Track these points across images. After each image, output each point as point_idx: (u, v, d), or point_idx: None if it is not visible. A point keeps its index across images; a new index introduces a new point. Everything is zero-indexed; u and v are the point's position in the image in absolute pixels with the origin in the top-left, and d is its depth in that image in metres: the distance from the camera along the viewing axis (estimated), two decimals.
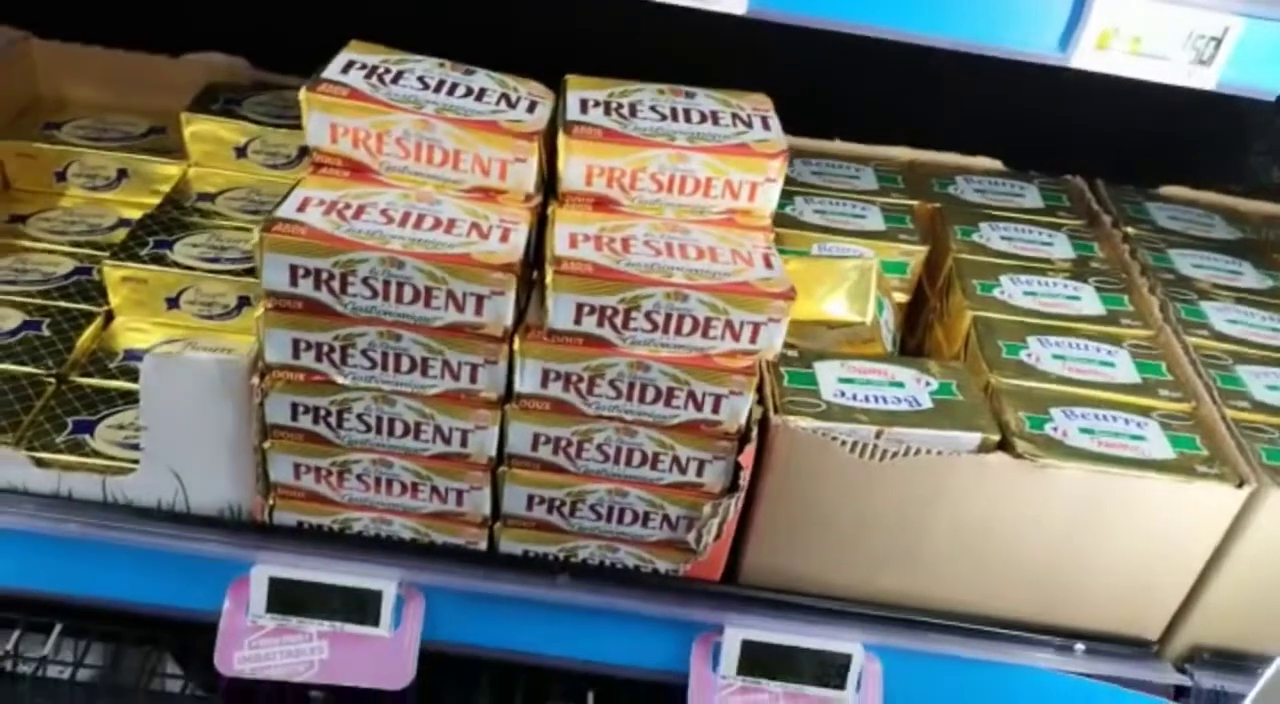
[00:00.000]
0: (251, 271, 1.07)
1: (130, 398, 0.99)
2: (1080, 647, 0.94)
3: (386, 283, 0.81)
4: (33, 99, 1.29)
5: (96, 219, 1.21)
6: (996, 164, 1.30)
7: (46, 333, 1.05)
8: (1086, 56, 0.84)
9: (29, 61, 1.28)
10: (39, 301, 1.09)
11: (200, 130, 1.19)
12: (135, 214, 1.17)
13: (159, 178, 1.22)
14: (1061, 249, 1.16)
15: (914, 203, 1.21)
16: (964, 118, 1.37)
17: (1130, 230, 1.20)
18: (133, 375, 1.01)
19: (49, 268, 1.13)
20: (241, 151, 1.21)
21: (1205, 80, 0.85)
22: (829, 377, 0.93)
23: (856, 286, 1.01)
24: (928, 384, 0.94)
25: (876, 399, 0.91)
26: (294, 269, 0.80)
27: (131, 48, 1.27)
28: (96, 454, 0.94)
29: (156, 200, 1.18)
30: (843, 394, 0.91)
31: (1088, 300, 1.08)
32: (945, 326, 1.11)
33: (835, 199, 1.19)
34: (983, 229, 1.17)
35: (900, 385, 0.93)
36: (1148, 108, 1.19)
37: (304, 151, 1.21)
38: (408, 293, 0.81)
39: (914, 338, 1.19)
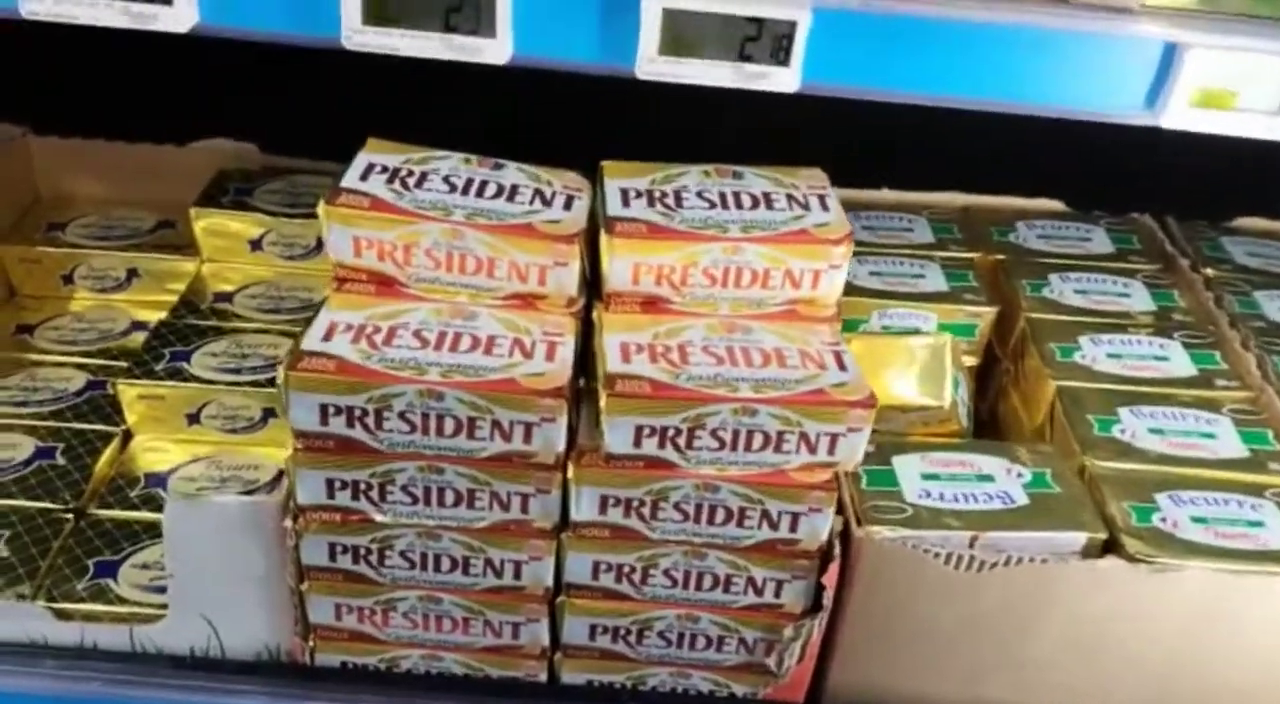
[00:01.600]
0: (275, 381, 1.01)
1: (154, 531, 0.92)
2: None
3: (425, 415, 0.73)
4: (33, 198, 1.23)
5: (108, 324, 1.14)
6: (1057, 205, 1.22)
7: (61, 460, 0.98)
8: (1178, 115, 0.76)
9: (27, 158, 1.22)
10: (51, 424, 1.02)
11: (211, 225, 1.13)
12: (149, 315, 1.11)
13: (171, 275, 1.16)
14: (1140, 300, 1.08)
15: (974, 255, 1.13)
16: (1016, 155, 1.29)
17: (1210, 272, 1.12)
18: (155, 504, 0.95)
19: (60, 384, 1.07)
20: (257, 244, 1.14)
21: None
22: (910, 474, 0.85)
23: (929, 367, 0.93)
24: (1019, 475, 0.86)
25: (966, 498, 0.83)
26: (324, 408, 0.73)
27: (133, 139, 1.20)
28: (121, 600, 0.87)
29: (170, 299, 1.11)
30: (928, 494, 0.83)
31: (1177, 360, 1.00)
32: (1022, 393, 1.02)
33: (891, 258, 1.11)
34: (1053, 282, 1.09)
35: (990, 479, 0.85)
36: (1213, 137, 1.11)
37: (322, 243, 1.15)
38: (449, 425, 0.74)
39: (985, 401, 1.10)
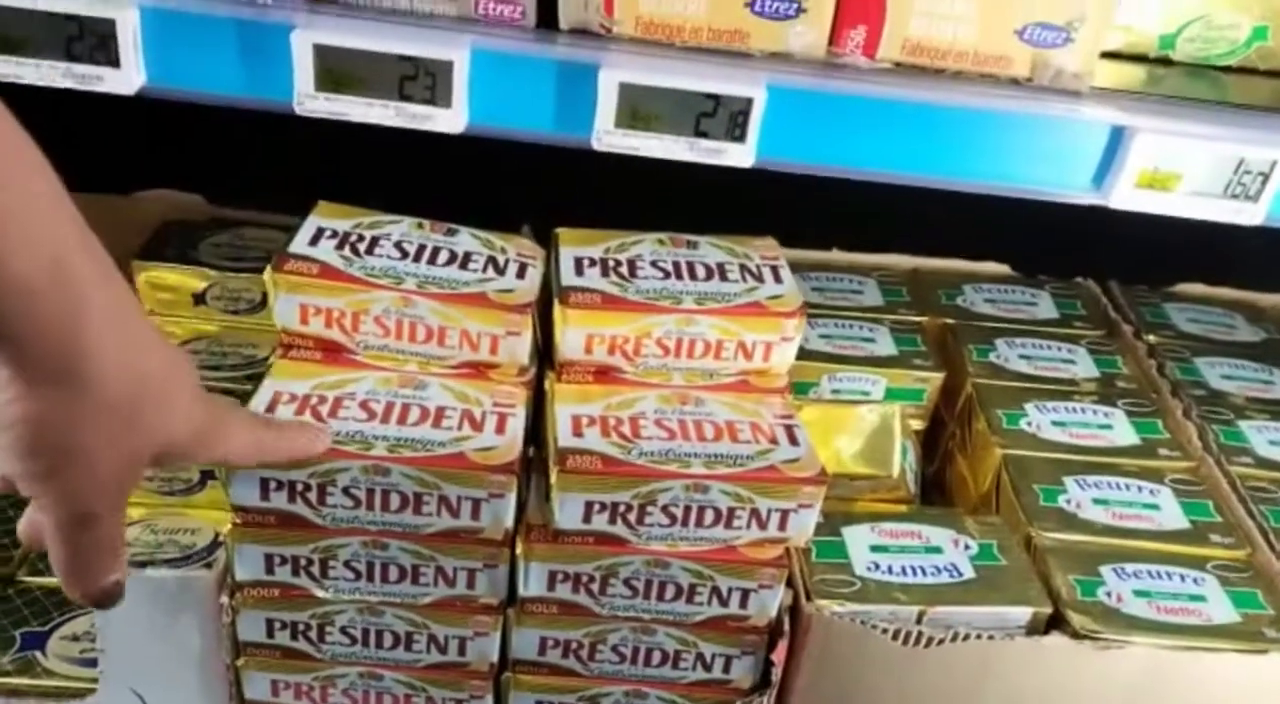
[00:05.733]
0: None
1: None
2: None
3: (370, 491, 0.72)
4: None
5: None
6: (1004, 269, 1.24)
7: None
8: (1125, 196, 0.78)
9: None
10: None
11: (154, 278, 1.10)
12: None
13: None
14: (1084, 367, 1.09)
15: (923, 319, 1.14)
16: (964, 221, 1.30)
17: (1152, 339, 1.14)
18: None
19: None
20: (200, 298, 1.11)
21: (1253, 215, 0.79)
22: (860, 545, 0.85)
23: (878, 436, 0.93)
24: (966, 547, 0.86)
25: (914, 571, 0.83)
26: (265, 483, 0.71)
27: (74, 188, 1.17)
28: (49, 674, 0.84)
29: None
30: (876, 566, 0.83)
31: (1120, 428, 1.01)
32: (969, 458, 1.03)
33: (841, 321, 1.12)
34: (999, 347, 1.10)
35: (938, 551, 0.85)
36: None
37: (267, 298, 1.13)
38: (394, 500, 0.72)
39: (932, 464, 1.11)
